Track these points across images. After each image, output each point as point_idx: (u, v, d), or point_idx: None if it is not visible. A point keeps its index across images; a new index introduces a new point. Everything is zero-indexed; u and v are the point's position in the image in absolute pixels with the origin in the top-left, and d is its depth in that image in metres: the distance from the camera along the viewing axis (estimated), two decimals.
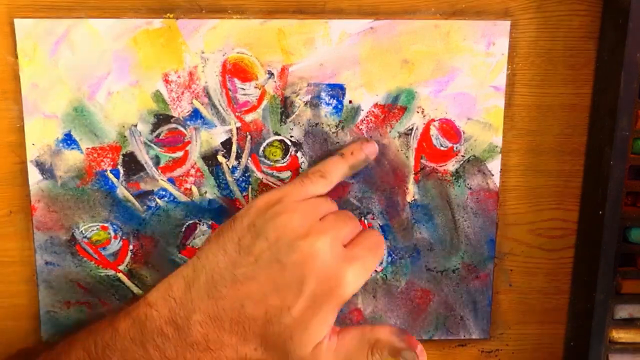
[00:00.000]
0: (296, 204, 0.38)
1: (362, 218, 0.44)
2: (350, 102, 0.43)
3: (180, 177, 0.43)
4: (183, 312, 0.37)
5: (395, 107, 0.43)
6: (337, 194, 0.44)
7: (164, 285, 0.38)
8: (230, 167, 0.43)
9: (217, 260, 0.37)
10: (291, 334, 0.37)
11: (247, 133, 0.43)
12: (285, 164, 0.44)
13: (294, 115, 0.43)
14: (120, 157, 0.43)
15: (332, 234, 0.37)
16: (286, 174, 0.44)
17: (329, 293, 0.36)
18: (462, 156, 0.44)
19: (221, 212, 0.44)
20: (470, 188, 0.44)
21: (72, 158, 0.43)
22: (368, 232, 0.40)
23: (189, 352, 0.37)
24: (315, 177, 0.40)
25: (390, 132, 0.43)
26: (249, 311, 0.37)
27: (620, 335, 0.44)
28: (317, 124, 0.43)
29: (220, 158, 0.43)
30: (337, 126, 0.43)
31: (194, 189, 0.44)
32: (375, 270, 0.45)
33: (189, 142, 0.43)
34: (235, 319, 0.37)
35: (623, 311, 0.44)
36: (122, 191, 0.43)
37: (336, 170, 0.41)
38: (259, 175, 0.44)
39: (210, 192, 0.44)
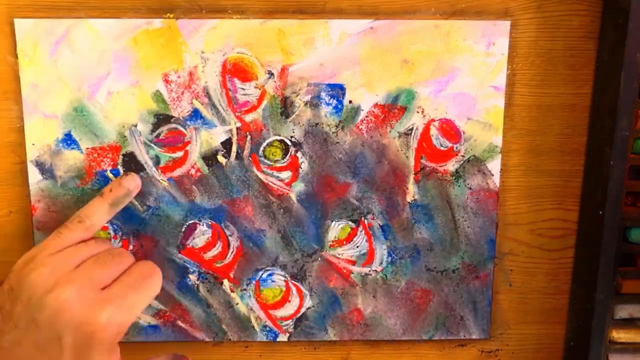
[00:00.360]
0: (48, 257, 0.38)
1: (362, 218, 0.44)
2: (350, 102, 0.43)
3: (180, 177, 0.43)
4: None
5: (395, 107, 0.43)
6: (337, 194, 0.44)
7: None
8: (230, 167, 0.43)
9: None
10: None
11: (247, 133, 0.43)
12: (285, 164, 0.44)
13: (294, 115, 0.43)
14: (120, 157, 0.43)
15: (82, 281, 0.37)
16: (286, 174, 0.44)
17: (90, 340, 0.36)
18: (462, 156, 0.44)
19: (221, 212, 0.44)
20: (470, 188, 0.44)
21: (72, 158, 0.43)
22: (135, 266, 0.39)
23: None
24: (73, 225, 0.39)
25: (390, 132, 0.43)
26: None
27: (620, 335, 0.44)
28: (317, 124, 0.43)
29: (220, 158, 0.43)
30: (337, 126, 0.43)
31: (194, 189, 0.44)
32: (375, 270, 0.45)
33: (189, 142, 0.43)
34: None
35: (623, 311, 0.44)
36: None
37: (96, 211, 0.40)
38: (259, 175, 0.44)
39: (210, 192, 0.44)
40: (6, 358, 0.37)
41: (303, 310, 0.46)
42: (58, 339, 0.36)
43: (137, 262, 0.40)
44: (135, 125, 0.43)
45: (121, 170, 0.43)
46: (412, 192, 0.44)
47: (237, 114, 0.43)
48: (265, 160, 0.43)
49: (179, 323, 0.46)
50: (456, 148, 0.44)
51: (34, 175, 0.43)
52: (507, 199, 0.45)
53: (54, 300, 0.36)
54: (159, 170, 0.43)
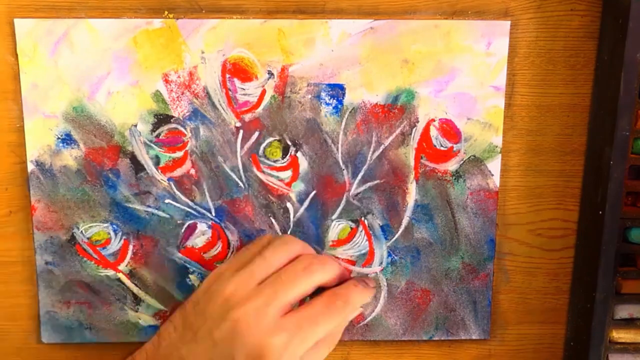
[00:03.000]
0: (234, 274, 0.38)
1: (362, 218, 0.44)
2: (350, 102, 0.43)
3: (180, 177, 0.43)
4: None
5: (395, 107, 0.43)
6: (337, 194, 0.44)
7: (130, 357, 0.39)
8: (230, 167, 0.43)
9: (169, 337, 0.38)
10: None
11: (247, 133, 0.43)
12: (285, 164, 0.44)
13: (293, 115, 0.43)
14: (120, 157, 0.43)
15: (261, 301, 0.36)
16: (286, 174, 0.44)
17: None
18: (462, 156, 0.44)
19: (221, 212, 0.44)
20: (470, 188, 0.44)
21: (72, 158, 0.43)
22: (323, 295, 0.38)
23: None
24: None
25: (390, 132, 0.43)
26: None
27: (620, 335, 0.44)
28: (317, 124, 0.43)
29: (220, 158, 0.43)
30: (337, 126, 0.43)
31: (194, 189, 0.44)
32: (375, 271, 0.45)
33: (188, 142, 0.43)
34: None
35: (623, 311, 0.44)
36: (122, 191, 0.43)
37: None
38: (259, 175, 0.44)
39: (210, 192, 0.44)
40: None
41: None
42: (231, 358, 0.36)
43: (329, 290, 0.39)
44: (135, 125, 0.43)
45: (121, 171, 0.43)
46: (412, 192, 0.44)
47: (237, 113, 0.43)
48: (265, 160, 0.43)
49: None
50: (456, 148, 0.44)
51: (34, 175, 0.43)
52: (507, 199, 0.45)
53: (232, 319, 0.36)
54: (159, 170, 0.43)
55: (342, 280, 0.40)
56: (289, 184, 0.44)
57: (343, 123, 0.43)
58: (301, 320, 0.37)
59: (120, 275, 0.45)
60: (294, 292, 0.37)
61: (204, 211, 0.44)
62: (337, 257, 0.45)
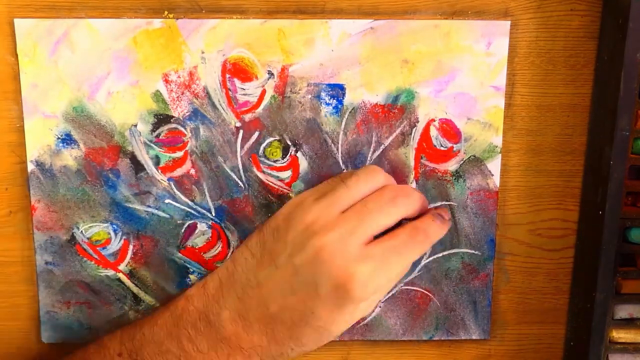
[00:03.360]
0: (315, 202, 0.37)
1: None
2: (350, 102, 0.43)
3: (180, 177, 0.43)
4: (215, 309, 0.38)
5: (395, 107, 0.43)
6: None
7: (201, 282, 0.39)
8: (230, 167, 0.43)
9: (245, 262, 0.38)
10: (321, 336, 0.37)
11: (247, 133, 0.43)
12: (285, 164, 0.44)
13: (293, 115, 0.43)
14: (120, 157, 0.43)
15: (346, 229, 0.36)
16: (286, 174, 0.44)
17: (345, 293, 0.35)
18: (462, 156, 0.44)
19: (221, 212, 0.44)
20: (470, 188, 0.44)
21: (72, 158, 0.43)
22: (407, 227, 0.38)
23: (220, 348, 0.37)
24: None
25: (390, 132, 0.43)
26: (274, 313, 0.37)
27: (620, 335, 0.44)
28: (317, 124, 0.43)
29: (220, 158, 0.43)
30: (337, 126, 0.43)
31: (194, 189, 0.44)
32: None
33: (188, 142, 0.43)
34: (262, 320, 0.37)
35: (623, 311, 0.44)
36: (122, 191, 0.43)
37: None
38: (259, 175, 0.44)
39: (210, 192, 0.44)
40: (259, 292, 0.37)
41: None
42: (314, 286, 0.36)
43: (409, 223, 0.38)
44: (135, 125, 0.43)
45: (121, 171, 0.43)
46: None
47: (237, 113, 0.43)
48: (265, 160, 0.43)
49: None
50: (456, 148, 0.44)
51: (34, 175, 0.43)
52: (507, 199, 0.45)
53: (315, 246, 0.35)
54: (159, 170, 0.43)
55: (422, 212, 0.40)
56: (289, 184, 0.44)
57: (343, 123, 0.43)
58: (386, 251, 0.36)
59: (120, 275, 0.45)
60: (379, 222, 0.37)
61: (204, 211, 0.44)
62: None
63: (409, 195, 0.39)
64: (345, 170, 0.43)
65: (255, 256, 0.38)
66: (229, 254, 0.45)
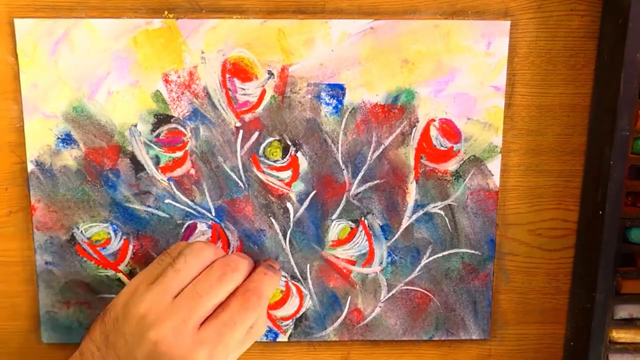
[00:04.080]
0: (147, 288, 0.38)
1: (362, 218, 0.44)
2: (350, 102, 0.43)
3: (180, 177, 0.43)
4: None
5: (395, 107, 0.43)
6: (337, 194, 0.44)
7: None
8: (230, 167, 0.43)
9: (92, 357, 0.38)
10: None
11: (247, 133, 0.43)
12: (285, 164, 0.44)
13: (293, 115, 0.43)
14: (120, 157, 0.43)
15: (177, 318, 0.36)
16: (286, 174, 0.44)
17: None
18: (462, 156, 0.44)
19: (221, 212, 0.44)
20: (470, 188, 0.44)
21: (72, 158, 0.43)
22: (236, 295, 0.38)
23: None
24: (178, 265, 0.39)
25: (390, 132, 0.43)
26: None
27: (620, 335, 0.44)
28: (317, 123, 0.43)
29: (220, 158, 0.43)
30: (337, 126, 0.43)
31: (194, 189, 0.44)
32: (375, 271, 0.45)
33: (188, 142, 0.43)
34: None
35: (623, 311, 0.44)
36: (122, 191, 0.43)
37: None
38: (259, 175, 0.44)
39: (210, 192, 0.44)
40: None
41: (303, 310, 0.46)
42: None
43: (241, 287, 0.39)
44: (135, 125, 0.43)
45: (121, 171, 0.43)
46: (412, 192, 0.44)
47: (237, 113, 0.43)
48: (265, 160, 0.43)
49: None
50: (456, 148, 0.44)
51: (34, 175, 0.43)
52: (507, 199, 0.45)
53: (151, 340, 0.36)
54: (159, 170, 0.43)
55: (252, 270, 0.41)
56: (289, 184, 0.44)
57: (343, 123, 0.43)
58: (220, 328, 0.37)
59: (120, 275, 0.45)
60: (210, 303, 0.38)
61: (204, 211, 0.44)
62: (337, 257, 0.45)
63: (236, 268, 0.39)
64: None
65: (100, 350, 0.37)
66: (229, 253, 0.45)
